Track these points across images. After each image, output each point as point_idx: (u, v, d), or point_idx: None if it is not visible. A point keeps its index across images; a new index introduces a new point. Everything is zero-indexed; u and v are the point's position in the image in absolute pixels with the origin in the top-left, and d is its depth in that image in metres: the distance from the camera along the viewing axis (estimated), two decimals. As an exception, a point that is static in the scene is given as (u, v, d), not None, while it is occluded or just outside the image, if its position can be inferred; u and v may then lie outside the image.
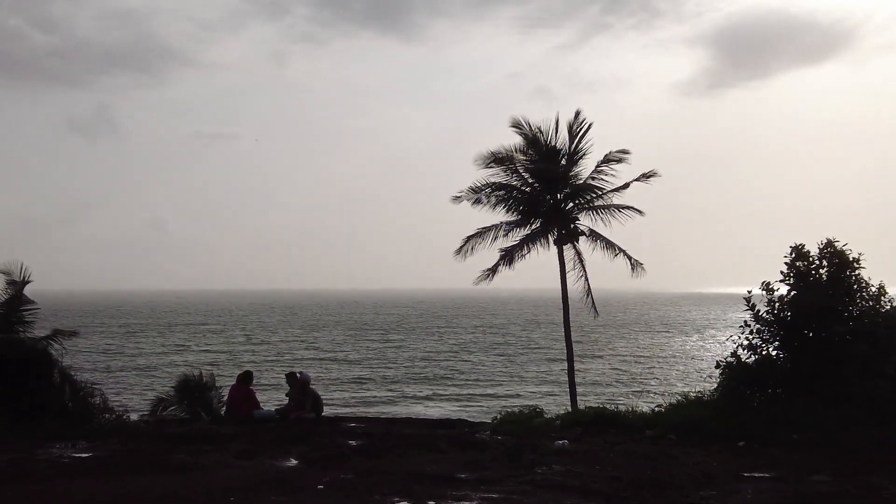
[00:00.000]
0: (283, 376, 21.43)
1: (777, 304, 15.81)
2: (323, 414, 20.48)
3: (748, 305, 15.91)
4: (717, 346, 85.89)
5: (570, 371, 29.91)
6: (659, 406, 16.42)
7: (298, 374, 20.44)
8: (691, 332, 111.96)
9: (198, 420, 22.23)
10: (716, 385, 16.24)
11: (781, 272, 15.86)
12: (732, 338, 16.10)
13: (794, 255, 15.86)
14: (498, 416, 17.66)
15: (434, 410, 42.83)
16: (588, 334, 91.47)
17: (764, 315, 15.83)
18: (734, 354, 16.01)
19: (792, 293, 15.75)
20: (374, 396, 48.17)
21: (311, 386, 20.43)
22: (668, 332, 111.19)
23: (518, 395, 47.60)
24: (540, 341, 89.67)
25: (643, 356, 74.15)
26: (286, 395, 20.58)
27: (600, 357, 71.26)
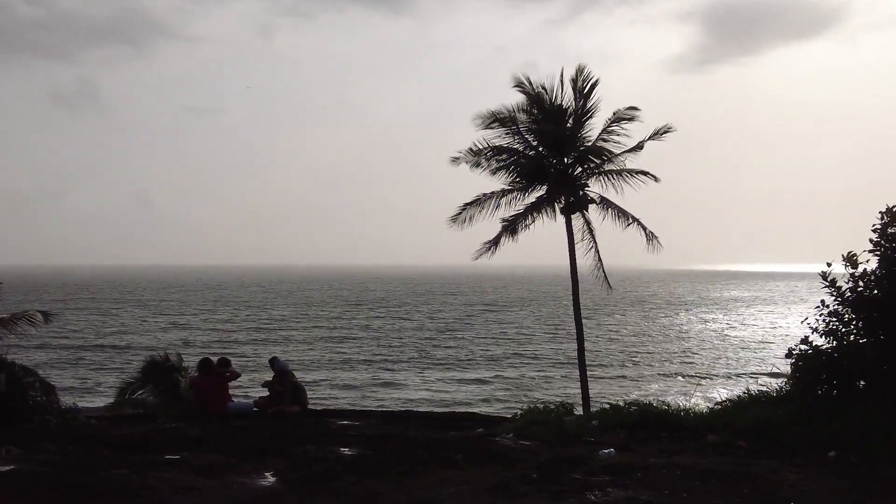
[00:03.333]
0: (268, 361, 18.55)
1: (862, 280, 12.91)
2: (309, 406, 17.62)
3: (826, 282, 13.00)
4: (723, 322, 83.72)
5: (581, 352, 27.26)
6: (718, 403, 13.55)
7: (277, 361, 17.51)
8: (700, 309, 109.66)
9: (174, 407, 19.53)
10: (786, 378, 13.36)
11: (871, 240, 12.92)
12: (807, 321, 13.17)
13: (887, 220, 12.88)
14: (519, 413, 14.75)
15: (434, 394, 40.15)
16: (593, 313, 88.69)
17: (847, 294, 12.91)
18: (806, 341, 13.11)
19: (883, 267, 12.83)
20: (370, 378, 45.39)
21: (292, 375, 17.50)
22: (676, 309, 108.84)
23: (523, 377, 44.98)
24: (544, 319, 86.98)
25: (651, 334, 71.63)
26: (263, 384, 17.66)
27: (606, 332, 68.71)
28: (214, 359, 18.26)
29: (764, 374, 46.89)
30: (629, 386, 42.56)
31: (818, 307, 13.17)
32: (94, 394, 40.34)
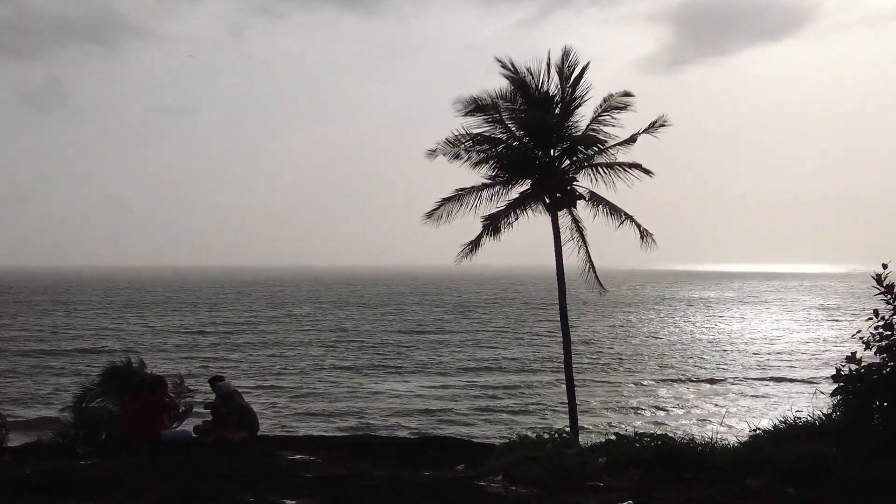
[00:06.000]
0: (208, 381, 15.97)
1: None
2: (259, 433, 15.11)
3: (882, 287, 10.68)
4: (720, 326, 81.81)
5: (567, 361, 25.04)
6: (751, 432, 11.18)
7: (219, 382, 15.00)
8: (677, 309, 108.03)
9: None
10: (831, 404, 11.02)
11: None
12: (859, 335, 10.83)
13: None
14: (508, 440, 12.31)
15: (409, 403, 37.77)
16: (576, 315, 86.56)
17: (908, 301, 10.58)
18: (854, 358, 10.78)
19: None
20: (341, 385, 42.88)
21: (239, 396, 14.99)
22: (655, 310, 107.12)
23: (501, 386, 42.65)
24: (525, 322, 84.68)
25: (637, 336, 69.59)
26: (206, 406, 15.14)
27: (585, 333, 66.23)
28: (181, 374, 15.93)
29: (732, 377, 45.01)
30: (618, 394, 40.45)
31: (870, 318, 10.86)
32: (51, 402, 37.50)
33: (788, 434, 10.88)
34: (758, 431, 11.31)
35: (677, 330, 77.35)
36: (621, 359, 53.61)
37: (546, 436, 12.16)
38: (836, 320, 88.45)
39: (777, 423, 11.25)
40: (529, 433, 12.37)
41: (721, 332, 75.57)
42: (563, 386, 41.11)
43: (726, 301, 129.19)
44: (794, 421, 11.18)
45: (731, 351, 59.33)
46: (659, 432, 11.77)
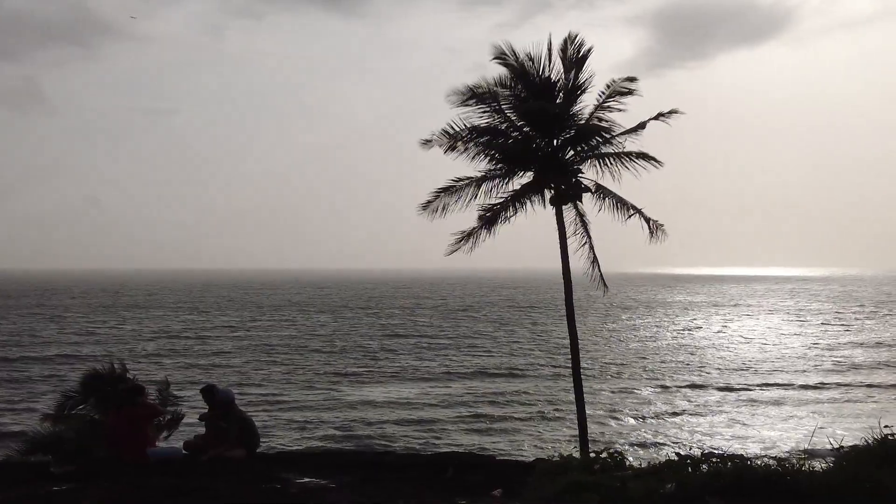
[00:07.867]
0: (201, 390, 14.29)
1: None
2: (259, 449, 13.44)
3: None
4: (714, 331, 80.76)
5: (575, 364, 23.35)
6: (836, 450, 9.64)
7: (217, 390, 13.33)
8: (676, 314, 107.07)
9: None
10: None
11: None
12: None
13: None
14: (554, 457, 10.73)
15: (410, 412, 36.12)
16: (562, 320, 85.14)
17: None
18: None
19: None
20: (323, 393, 41.13)
21: (236, 406, 13.32)
22: (640, 313, 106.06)
23: (504, 393, 41.14)
24: (511, 327, 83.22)
25: (625, 340, 68.36)
26: (201, 417, 13.43)
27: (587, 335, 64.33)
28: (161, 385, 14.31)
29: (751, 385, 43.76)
30: (617, 400, 39.05)
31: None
32: (27, 411, 35.45)
33: (884, 454, 9.35)
34: (842, 450, 9.76)
35: (664, 334, 76.26)
36: (613, 364, 52.35)
37: (591, 454, 10.59)
38: (827, 324, 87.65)
39: (867, 440, 9.71)
40: (572, 454, 10.77)
41: (716, 336, 74.48)
42: (557, 393, 40.03)
43: (713, 305, 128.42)
44: (890, 437, 9.66)
45: (733, 357, 58.17)
46: (730, 452, 10.18)
